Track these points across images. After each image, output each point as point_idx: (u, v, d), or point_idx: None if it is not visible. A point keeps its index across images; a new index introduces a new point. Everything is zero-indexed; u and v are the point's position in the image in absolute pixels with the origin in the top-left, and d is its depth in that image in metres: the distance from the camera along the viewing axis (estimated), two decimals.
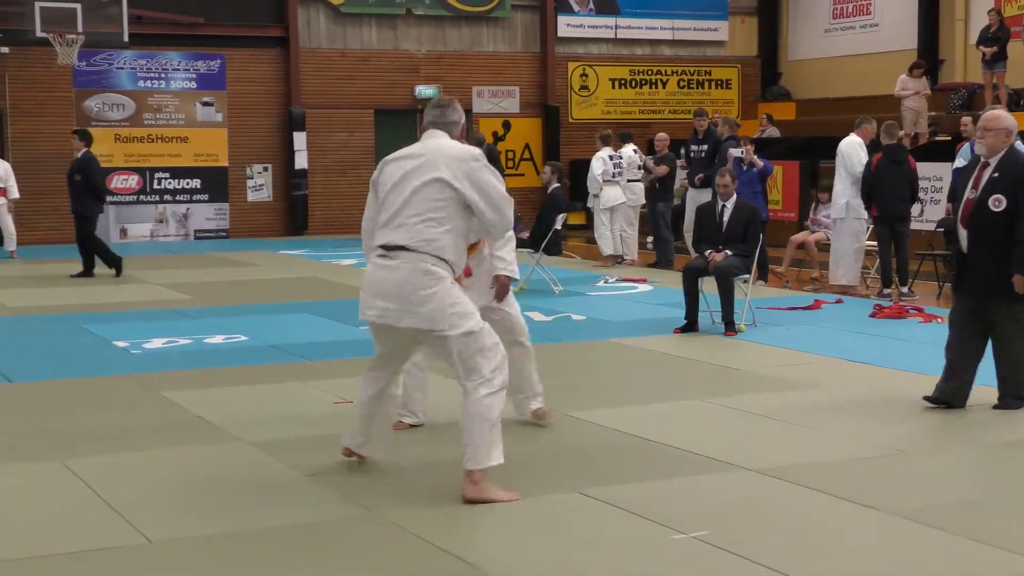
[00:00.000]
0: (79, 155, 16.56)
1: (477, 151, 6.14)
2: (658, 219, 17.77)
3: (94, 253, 16.46)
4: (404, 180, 6.08)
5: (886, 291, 14.07)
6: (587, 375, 8.71)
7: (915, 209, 14.27)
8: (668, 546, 5.37)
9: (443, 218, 6.00)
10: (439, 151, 6.10)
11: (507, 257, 7.43)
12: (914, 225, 15.21)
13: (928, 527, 5.58)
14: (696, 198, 16.55)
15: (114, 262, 16.42)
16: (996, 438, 7.39)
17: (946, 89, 22.91)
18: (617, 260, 17.89)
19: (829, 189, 16.50)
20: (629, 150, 18.24)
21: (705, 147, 17.36)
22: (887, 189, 13.93)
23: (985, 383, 8.19)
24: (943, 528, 5.56)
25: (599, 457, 6.93)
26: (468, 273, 7.15)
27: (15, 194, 19.26)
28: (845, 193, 14.38)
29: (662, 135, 18.60)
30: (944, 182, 16.39)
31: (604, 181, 17.67)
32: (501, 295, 7.42)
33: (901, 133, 18.72)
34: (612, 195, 17.72)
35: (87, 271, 16.44)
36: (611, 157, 17.79)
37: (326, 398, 8.49)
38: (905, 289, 14.08)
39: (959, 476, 6.65)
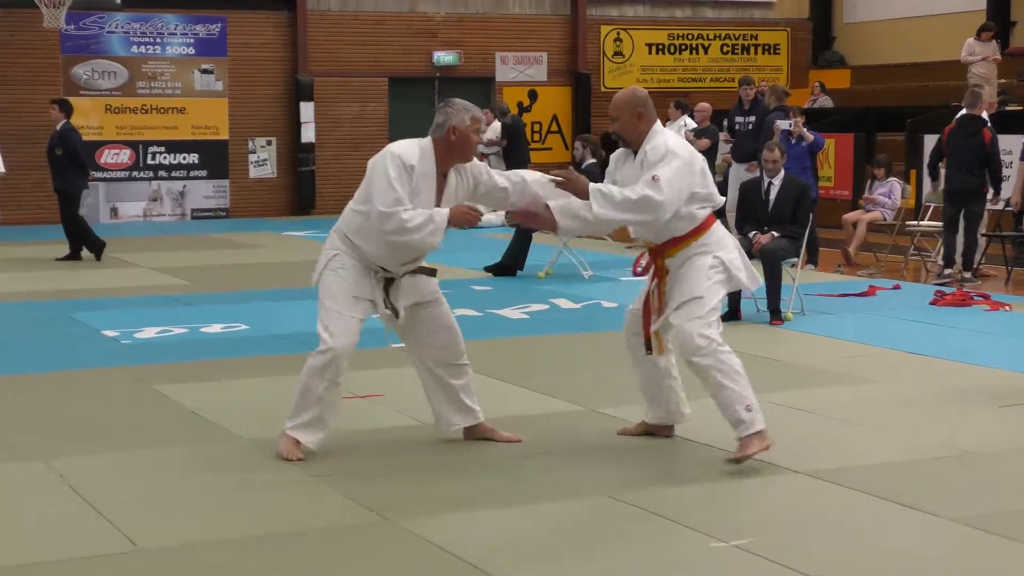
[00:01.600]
0: (58, 127, 16.59)
1: (395, 151, 6.64)
2: None
3: (76, 235, 16.47)
4: None
5: (946, 272, 14.02)
6: (618, 368, 8.68)
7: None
8: (706, 555, 5.35)
9: (361, 198, 6.76)
10: None
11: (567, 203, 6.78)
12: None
13: (997, 536, 5.54)
14: (740, 175, 16.48)
15: (96, 246, 16.43)
16: None
17: (1018, 54, 22.73)
18: None
19: (886, 165, 16.46)
20: (688, 121, 18.16)
21: (751, 118, 17.27)
22: (955, 162, 13.93)
23: None
24: (1014, 537, 5.51)
25: (630, 457, 6.91)
26: (636, 272, 7.12)
27: (1, 169, 19.30)
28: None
29: (703, 105, 18.52)
30: (1014, 156, 16.26)
31: None
32: (521, 215, 6.91)
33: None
34: None
35: (74, 254, 16.49)
36: None
37: None
38: (968, 274, 13.99)
39: None
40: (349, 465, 6.73)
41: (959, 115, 14.21)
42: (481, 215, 6.78)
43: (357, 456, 6.93)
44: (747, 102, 17.48)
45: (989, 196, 14.24)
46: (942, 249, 14.36)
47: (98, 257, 16.40)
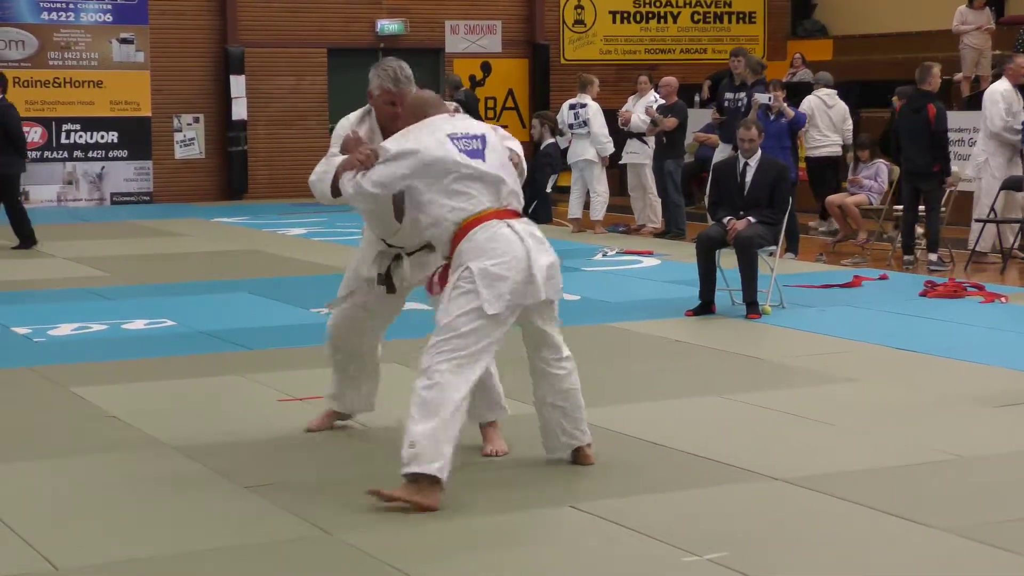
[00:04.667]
0: None
1: None
2: (667, 180, 17.74)
3: (13, 221, 16.28)
4: None
5: (907, 258, 14.29)
6: (581, 367, 8.67)
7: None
8: (678, 570, 5.37)
9: None
10: None
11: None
12: (969, 187, 15.42)
13: (989, 546, 5.59)
14: (725, 155, 16.49)
15: (29, 236, 16.26)
16: None
17: (1014, 23, 22.86)
18: (613, 227, 18.04)
19: (871, 147, 16.56)
20: (655, 97, 18.25)
21: (743, 95, 17.21)
22: (906, 141, 14.47)
23: None
24: (1011, 548, 5.57)
25: (595, 464, 6.92)
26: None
27: None
28: (983, 151, 15.14)
29: (668, 79, 18.49)
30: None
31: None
32: None
33: (959, 76, 18.76)
34: (574, 151, 17.98)
35: (25, 242, 16.23)
36: (571, 107, 17.98)
37: (268, 395, 8.47)
38: (934, 257, 14.16)
39: None
40: (288, 474, 6.72)
41: (912, 91, 14.65)
42: (376, 156, 6.30)
43: (296, 464, 6.92)
44: (739, 77, 17.34)
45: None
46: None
47: (28, 247, 16.15)
